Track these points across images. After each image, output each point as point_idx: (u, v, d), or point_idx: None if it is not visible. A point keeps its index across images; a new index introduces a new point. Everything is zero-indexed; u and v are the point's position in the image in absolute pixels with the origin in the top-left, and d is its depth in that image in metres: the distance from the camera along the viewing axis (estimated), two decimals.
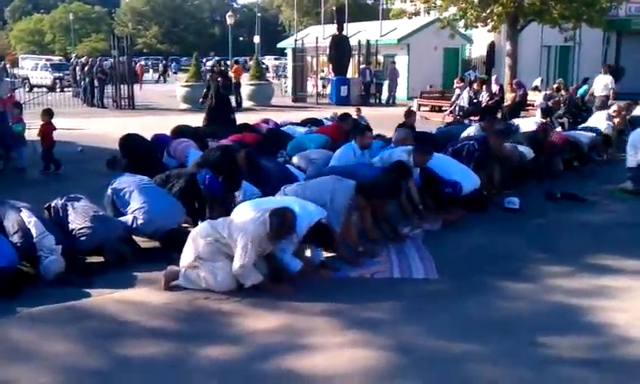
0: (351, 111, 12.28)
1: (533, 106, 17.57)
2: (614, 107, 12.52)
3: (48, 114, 10.54)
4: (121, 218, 6.10)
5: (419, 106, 21.02)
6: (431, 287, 5.29)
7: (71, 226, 5.73)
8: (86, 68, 24.23)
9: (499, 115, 16.19)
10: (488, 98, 17.47)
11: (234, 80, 23.69)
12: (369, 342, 4.25)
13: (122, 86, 22.33)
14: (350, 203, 5.86)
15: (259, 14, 56.30)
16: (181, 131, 9.95)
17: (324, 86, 26.58)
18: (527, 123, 11.59)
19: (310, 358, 4.03)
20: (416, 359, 4.04)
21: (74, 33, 71.65)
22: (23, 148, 10.39)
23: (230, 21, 35.95)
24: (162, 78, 44.71)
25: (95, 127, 16.64)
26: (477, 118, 14.84)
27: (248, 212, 5.21)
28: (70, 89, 27.81)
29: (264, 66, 34.53)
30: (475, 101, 17.73)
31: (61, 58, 50.01)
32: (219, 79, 15.98)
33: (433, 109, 21.02)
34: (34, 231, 5.38)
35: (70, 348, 4.21)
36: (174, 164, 8.42)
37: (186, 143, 8.97)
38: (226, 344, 4.25)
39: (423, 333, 4.41)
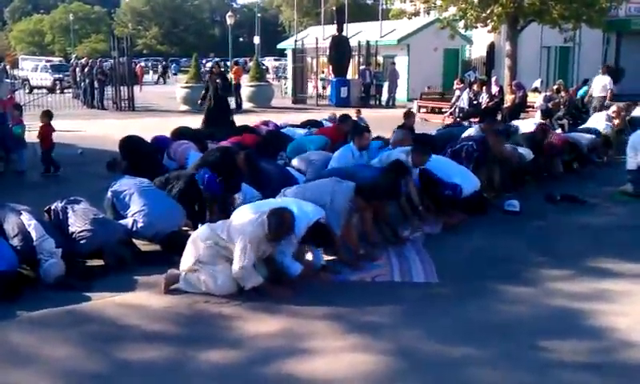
0: (351, 113, 12.27)
1: (533, 107, 17.56)
2: (614, 108, 12.52)
3: (47, 115, 10.54)
4: (121, 221, 6.10)
5: (419, 107, 21.02)
6: (432, 291, 5.28)
7: (71, 229, 5.72)
8: (86, 69, 24.24)
9: (499, 117, 16.20)
10: (488, 100, 17.48)
11: (234, 81, 23.71)
12: (369, 345, 4.24)
13: (121, 87, 22.34)
14: (350, 205, 5.86)
15: (259, 15, 56.36)
16: (181, 133, 9.96)
17: (324, 87, 26.58)
18: (526, 124, 11.59)
19: (311, 362, 4.02)
20: (416, 363, 4.04)
21: (73, 33, 71.68)
22: (23, 150, 10.38)
23: (229, 21, 35.98)
24: (161, 79, 44.71)
25: (95, 129, 16.64)
26: (477, 119, 14.83)
27: (247, 214, 5.21)
28: (70, 90, 27.80)
29: (264, 67, 34.54)
30: (475, 102, 17.74)
31: (61, 59, 50.00)
32: (218, 81, 15.97)
33: (432, 110, 21.02)
34: (34, 234, 5.37)
35: (70, 352, 4.21)
36: (174, 166, 8.42)
37: (186, 145, 8.97)
38: (226, 348, 4.24)
39: (424, 336, 4.40)
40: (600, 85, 16.78)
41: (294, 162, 8.42)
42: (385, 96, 25.58)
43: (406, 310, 4.87)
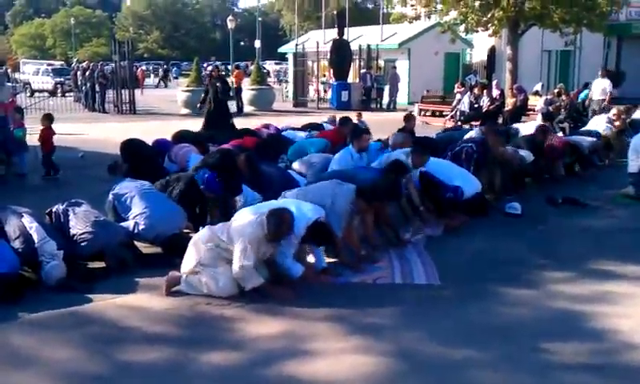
0: (352, 116, 12.27)
1: (534, 110, 17.57)
2: (614, 111, 12.54)
3: (48, 118, 10.55)
4: (122, 224, 6.10)
5: (420, 110, 21.02)
6: (433, 293, 5.27)
7: (72, 232, 5.73)
8: (87, 73, 24.27)
9: (500, 120, 16.20)
10: (489, 103, 17.49)
11: (235, 85, 23.76)
12: (370, 347, 4.24)
13: (123, 90, 22.37)
14: (351, 207, 5.86)
15: (260, 19, 56.37)
16: (182, 136, 9.96)
17: (325, 91, 26.60)
18: (527, 127, 11.61)
19: (312, 364, 4.02)
20: (417, 365, 4.03)
21: (75, 37, 71.78)
22: (25, 153, 10.39)
23: (230, 25, 35.98)
24: (161, 82, 44.76)
25: (96, 132, 16.66)
26: (478, 123, 14.84)
27: (246, 216, 5.22)
28: (72, 94, 27.83)
29: (265, 71, 34.60)
30: (476, 106, 17.75)
31: (62, 62, 50.08)
32: (218, 84, 16.00)
33: (433, 114, 21.02)
34: (35, 237, 5.38)
35: (71, 353, 4.21)
36: (175, 169, 8.41)
37: (187, 148, 8.97)
38: (228, 349, 4.24)
39: (425, 338, 4.40)
40: (600, 88, 16.80)
41: (295, 165, 8.44)
42: (386, 99, 25.61)
43: (408, 311, 4.87)
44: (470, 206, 7.38)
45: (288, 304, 4.87)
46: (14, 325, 4.59)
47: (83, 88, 24.84)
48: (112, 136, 13.65)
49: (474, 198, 7.43)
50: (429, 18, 25.53)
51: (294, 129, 12.04)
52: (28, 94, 28.61)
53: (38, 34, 76.64)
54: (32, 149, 10.51)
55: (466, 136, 9.86)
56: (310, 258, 5.56)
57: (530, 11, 19.89)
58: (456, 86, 21.49)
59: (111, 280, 5.42)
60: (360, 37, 29.07)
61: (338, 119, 12.63)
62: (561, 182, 9.56)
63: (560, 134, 13.01)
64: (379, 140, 9.66)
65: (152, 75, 48.79)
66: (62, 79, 32.20)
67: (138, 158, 8.57)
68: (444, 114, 19.65)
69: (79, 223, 5.76)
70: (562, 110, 16.43)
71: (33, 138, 10.76)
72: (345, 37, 26.67)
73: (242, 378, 3.89)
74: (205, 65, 43.83)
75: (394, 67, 26.10)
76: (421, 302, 5.06)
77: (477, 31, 22.48)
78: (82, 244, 5.65)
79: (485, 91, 18.19)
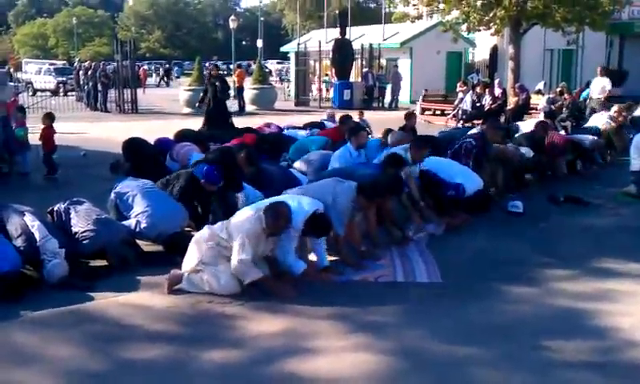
0: (354, 115, 12.29)
1: (536, 109, 17.55)
2: (615, 108, 12.53)
3: (49, 117, 10.56)
4: (124, 222, 6.12)
5: (422, 109, 21.02)
6: (435, 291, 5.27)
7: (74, 230, 5.74)
8: (89, 72, 24.30)
9: (502, 119, 16.17)
10: (491, 102, 17.46)
11: (237, 84, 23.77)
12: (372, 345, 4.24)
13: (125, 90, 22.39)
14: (353, 205, 5.86)
15: (262, 18, 56.33)
16: (184, 135, 9.98)
17: (327, 90, 26.60)
18: (527, 125, 11.61)
19: (314, 362, 4.02)
20: (419, 363, 4.03)
21: (77, 37, 71.86)
22: (27, 152, 10.40)
23: (232, 25, 35.96)
24: (162, 82, 44.81)
25: (98, 131, 16.68)
26: (480, 122, 14.82)
27: (245, 213, 5.26)
28: (74, 93, 27.88)
29: (267, 70, 34.60)
30: (478, 104, 17.71)
31: (64, 62, 50.14)
32: (217, 83, 16.01)
33: (434, 113, 21.01)
34: (37, 235, 5.38)
35: (73, 351, 4.21)
36: (177, 168, 8.42)
37: (189, 147, 8.98)
38: (229, 347, 4.25)
39: (426, 337, 4.40)
40: (599, 86, 16.75)
41: (297, 164, 8.44)
42: (388, 98, 25.60)
43: (409, 310, 4.87)
44: (471, 204, 7.38)
45: (289, 302, 4.88)
46: (16, 323, 4.60)
47: (85, 87, 24.88)
48: (114, 135, 13.66)
49: (475, 196, 7.42)
50: (431, 17, 25.57)
51: (295, 128, 12.05)
52: (30, 94, 28.74)
53: (41, 33, 76.71)
54: (34, 148, 10.52)
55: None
56: (312, 257, 5.57)
57: (532, 10, 19.87)
58: (458, 85, 21.46)
59: (113, 278, 5.43)
60: (362, 36, 29.07)
61: (336, 115, 12.72)
62: (563, 180, 9.56)
63: (562, 132, 12.99)
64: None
65: (154, 75, 48.83)
66: (64, 79, 32.24)
67: (140, 157, 8.59)
68: (446, 112, 19.65)
69: (81, 221, 5.77)
70: (564, 108, 16.41)
71: (35, 138, 10.77)
72: (347, 36, 26.66)
73: (243, 375, 3.89)
74: (207, 64, 43.92)
75: (396, 66, 26.09)
76: (422, 301, 5.06)
77: (479, 30, 22.46)
78: (84, 242, 5.66)
79: (487, 90, 18.16)
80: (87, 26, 76.43)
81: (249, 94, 24.22)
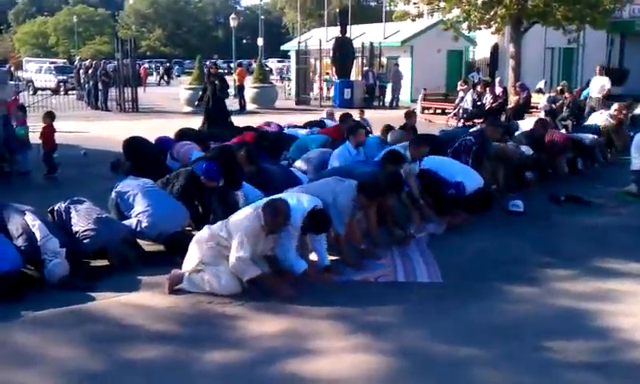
0: (355, 114, 12.29)
1: (537, 108, 17.54)
2: (615, 106, 12.54)
3: (50, 116, 10.56)
4: (125, 222, 6.11)
5: (423, 108, 21.01)
6: (435, 291, 5.27)
7: (75, 229, 5.74)
8: (90, 71, 24.29)
9: (503, 118, 16.16)
10: (492, 101, 17.45)
11: (237, 83, 23.76)
12: (372, 346, 4.24)
13: (125, 88, 22.39)
14: (353, 204, 5.86)
15: (262, 17, 56.25)
16: (184, 134, 9.98)
17: (328, 89, 26.60)
18: (527, 123, 11.61)
19: (314, 362, 4.02)
20: (419, 363, 4.03)
21: (77, 35, 71.81)
22: (28, 151, 10.40)
23: (233, 23, 35.94)
24: (162, 80, 44.80)
25: (99, 130, 16.68)
26: (481, 120, 14.81)
27: (244, 211, 5.28)
28: (74, 92, 27.87)
29: (267, 69, 34.59)
30: (479, 103, 17.70)
31: (65, 60, 50.13)
32: (216, 82, 16.00)
33: (435, 111, 21.00)
34: (38, 234, 5.38)
35: (73, 352, 4.21)
36: (178, 167, 8.41)
37: (189, 146, 8.97)
38: (230, 348, 4.24)
39: (427, 337, 4.39)
40: (598, 85, 16.74)
41: (297, 163, 8.44)
42: (388, 97, 25.58)
43: (410, 310, 4.87)
44: (472, 202, 7.37)
45: (290, 302, 4.88)
46: (17, 323, 4.60)
47: (86, 86, 24.87)
48: (115, 134, 13.66)
49: (476, 194, 7.41)
50: (431, 15, 25.57)
51: (296, 127, 12.05)
52: (31, 92, 28.75)
53: (41, 32, 76.68)
54: (35, 147, 10.52)
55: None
56: (313, 256, 5.57)
57: (533, 8, 19.86)
58: (459, 83, 21.45)
59: (114, 278, 5.43)
60: (363, 34, 29.05)
61: (335, 114, 12.72)
62: (564, 180, 9.55)
63: (563, 131, 12.99)
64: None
65: (154, 73, 48.83)
66: (64, 77, 32.24)
67: (141, 156, 8.58)
68: (446, 111, 19.64)
69: (81, 220, 5.77)
70: (565, 107, 16.39)
71: (35, 136, 10.77)
72: (347, 34, 26.64)
73: (244, 376, 3.89)
74: (207, 63, 43.88)
75: (397, 65, 26.07)
76: (423, 301, 5.06)
77: (479, 29, 22.45)
78: (85, 241, 5.66)
79: (488, 89, 18.15)
80: (88, 25, 76.39)
81: (249, 92, 24.21)
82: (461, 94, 19.07)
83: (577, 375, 3.87)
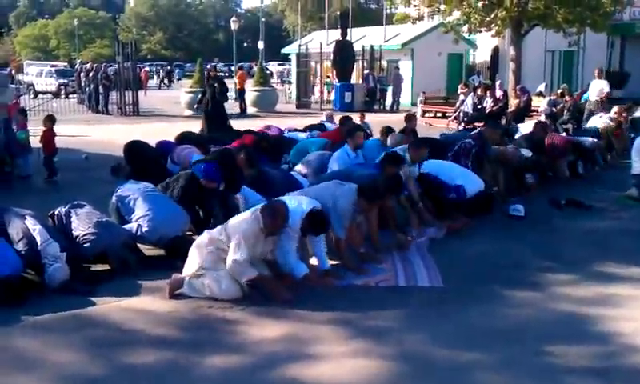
0: (355, 117, 12.29)
1: (537, 111, 17.53)
2: (615, 109, 12.54)
3: (50, 120, 10.55)
4: (125, 226, 6.11)
5: (423, 112, 21.00)
6: (436, 295, 5.26)
7: (75, 233, 5.74)
8: (91, 74, 24.32)
9: (503, 121, 16.16)
10: (492, 104, 17.45)
11: (238, 86, 23.77)
12: (373, 350, 4.23)
13: (126, 92, 22.40)
14: (354, 208, 5.85)
15: (263, 19, 56.30)
16: (185, 138, 9.99)
17: (329, 92, 26.61)
18: (526, 126, 11.62)
19: (315, 367, 4.02)
20: (420, 368, 4.03)
21: (78, 39, 71.92)
22: (28, 155, 10.40)
23: (234, 26, 35.94)
24: (163, 83, 44.85)
25: (100, 134, 16.68)
26: (481, 124, 14.81)
27: (243, 215, 5.29)
28: (75, 95, 27.90)
29: (268, 72, 34.61)
30: (479, 106, 17.71)
31: (65, 64, 50.19)
32: (215, 85, 16.02)
33: (435, 115, 21.01)
34: (38, 239, 5.38)
35: (74, 356, 4.21)
36: (178, 171, 8.41)
37: (190, 149, 8.98)
38: (231, 352, 4.24)
39: (428, 341, 4.39)
40: (597, 88, 16.73)
41: (298, 167, 8.44)
42: (389, 100, 25.58)
43: (410, 314, 4.86)
44: (473, 206, 7.37)
45: (290, 307, 4.87)
46: (17, 327, 4.60)
47: (87, 89, 24.91)
48: (115, 137, 13.68)
49: (476, 197, 7.41)
50: (432, 18, 25.54)
51: (295, 130, 12.06)
52: (32, 96, 28.70)
53: (42, 35, 76.79)
54: (36, 150, 10.53)
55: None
56: (313, 261, 5.56)
57: (533, 11, 19.86)
58: (459, 86, 21.46)
59: (114, 282, 5.42)
60: (363, 37, 29.06)
61: (335, 117, 12.73)
62: (564, 183, 9.54)
63: (564, 134, 12.99)
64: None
65: (155, 77, 48.90)
66: (65, 81, 32.23)
67: (142, 160, 8.59)
68: (447, 115, 19.64)
69: (82, 224, 5.76)
70: (566, 111, 16.40)
71: (36, 140, 10.77)
72: (348, 37, 26.65)
73: (244, 381, 3.88)
74: (208, 66, 43.95)
75: (397, 68, 26.08)
76: (423, 305, 5.05)
77: (480, 31, 22.45)
78: (85, 245, 5.66)
79: (488, 92, 18.14)
80: (88, 28, 76.52)
81: (250, 96, 24.23)
82: (461, 97, 19.07)
83: (578, 380, 3.86)
